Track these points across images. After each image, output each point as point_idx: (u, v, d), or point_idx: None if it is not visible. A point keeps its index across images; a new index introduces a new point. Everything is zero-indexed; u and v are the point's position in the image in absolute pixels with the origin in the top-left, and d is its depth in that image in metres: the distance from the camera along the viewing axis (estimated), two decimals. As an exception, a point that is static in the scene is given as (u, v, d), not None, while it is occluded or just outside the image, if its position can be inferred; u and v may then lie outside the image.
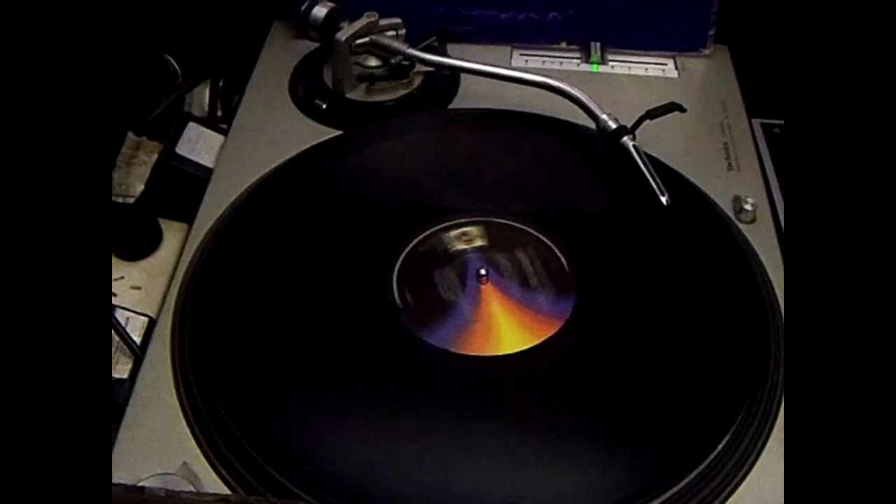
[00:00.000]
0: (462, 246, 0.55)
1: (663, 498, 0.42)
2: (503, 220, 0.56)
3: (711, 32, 0.70)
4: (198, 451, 0.44)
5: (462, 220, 0.56)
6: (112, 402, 0.47)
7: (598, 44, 0.71)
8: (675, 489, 0.42)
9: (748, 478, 0.44)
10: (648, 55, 0.71)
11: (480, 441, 0.44)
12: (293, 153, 0.60)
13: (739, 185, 0.59)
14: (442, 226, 0.56)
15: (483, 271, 0.52)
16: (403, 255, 0.54)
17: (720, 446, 0.44)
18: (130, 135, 0.62)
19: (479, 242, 0.55)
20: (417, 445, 0.44)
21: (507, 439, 0.45)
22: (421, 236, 0.55)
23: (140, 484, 0.41)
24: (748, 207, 0.56)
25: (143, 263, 0.56)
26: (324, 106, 0.65)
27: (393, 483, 0.42)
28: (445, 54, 0.68)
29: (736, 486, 0.43)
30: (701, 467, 0.43)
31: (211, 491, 0.42)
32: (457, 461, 0.44)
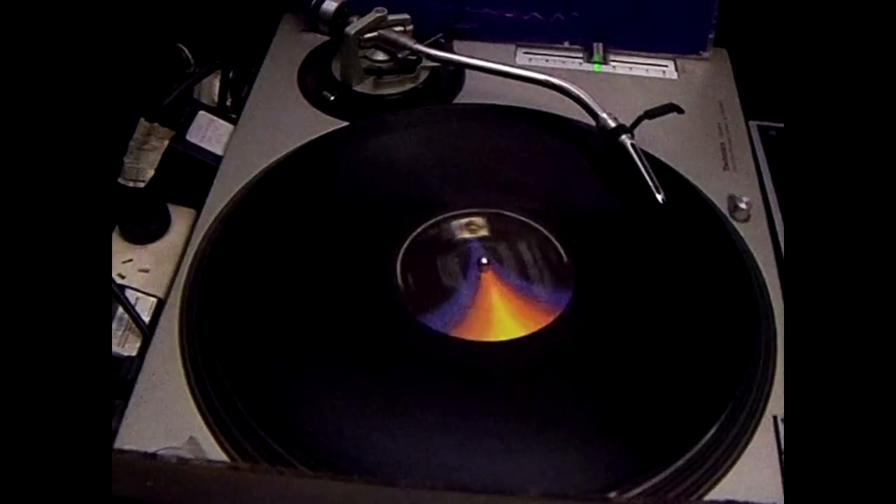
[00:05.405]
0: (465, 235, 0.56)
1: (654, 481, 0.43)
2: (505, 213, 0.57)
3: (711, 36, 0.71)
4: (204, 426, 0.45)
5: (464, 211, 0.57)
6: (120, 378, 0.48)
7: (601, 44, 0.72)
8: (664, 474, 0.43)
9: (737, 465, 0.45)
10: (649, 57, 0.72)
11: (472, 423, 0.45)
12: (301, 143, 0.61)
13: (735, 184, 0.60)
14: (446, 215, 0.57)
15: (485, 260, 0.53)
16: (408, 241, 0.55)
17: (710, 433, 0.45)
18: (143, 121, 0.63)
19: (481, 232, 0.56)
20: (414, 423, 0.45)
21: (499, 423, 0.46)
22: (425, 225, 0.56)
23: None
24: (743, 206, 0.57)
25: (151, 247, 0.57)
26: (332, 98, 0.66)
27: (389, 459, 0.44)
28: (451, 51, 0.69)
29: (725, 473, 0.44)
30: (691, 453, 0.44)
31: (217, 464, 0.43)
32: (449, 441, 0.45)
